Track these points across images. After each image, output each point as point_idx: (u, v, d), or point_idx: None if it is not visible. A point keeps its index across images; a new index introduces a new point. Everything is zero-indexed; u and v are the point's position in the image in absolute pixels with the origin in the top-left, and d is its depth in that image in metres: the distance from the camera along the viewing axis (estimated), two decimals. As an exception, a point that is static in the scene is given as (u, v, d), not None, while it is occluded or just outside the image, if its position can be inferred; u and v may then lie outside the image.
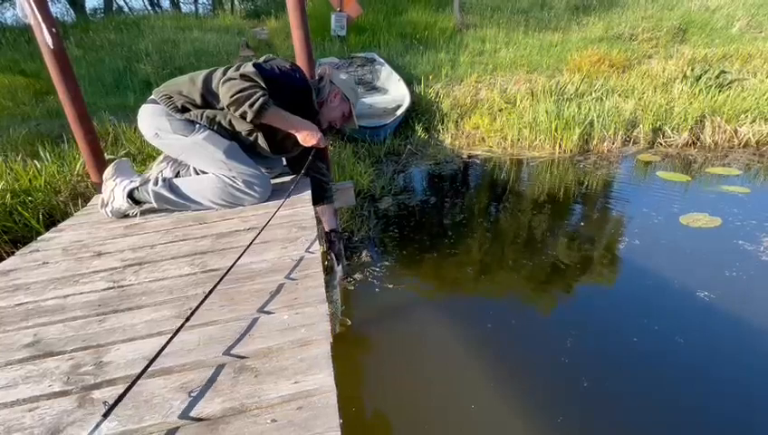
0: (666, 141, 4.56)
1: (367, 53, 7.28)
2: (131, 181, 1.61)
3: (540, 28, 8.77)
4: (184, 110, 1.55)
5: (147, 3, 15.70)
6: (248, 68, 1.44)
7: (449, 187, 4.04)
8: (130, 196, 1.59)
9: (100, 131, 4.79)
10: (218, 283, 1.00)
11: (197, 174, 1.68)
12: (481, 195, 3.87)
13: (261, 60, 1.57)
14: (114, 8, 13.10)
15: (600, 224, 3.18)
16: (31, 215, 3.19)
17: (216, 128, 1.56)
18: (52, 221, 3.33)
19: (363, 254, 2.91)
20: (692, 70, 5.83)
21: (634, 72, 6.58)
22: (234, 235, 1.40)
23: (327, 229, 2.04)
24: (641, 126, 4.69)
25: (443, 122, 5.33)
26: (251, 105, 1.42)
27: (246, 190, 1.59)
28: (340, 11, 7.65)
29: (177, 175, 1.88)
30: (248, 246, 1.17)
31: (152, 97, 1.59)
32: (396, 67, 6.79)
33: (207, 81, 1.53)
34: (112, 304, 1.05)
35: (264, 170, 1.76)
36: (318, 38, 7.64)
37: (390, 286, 2.54)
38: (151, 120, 1.56)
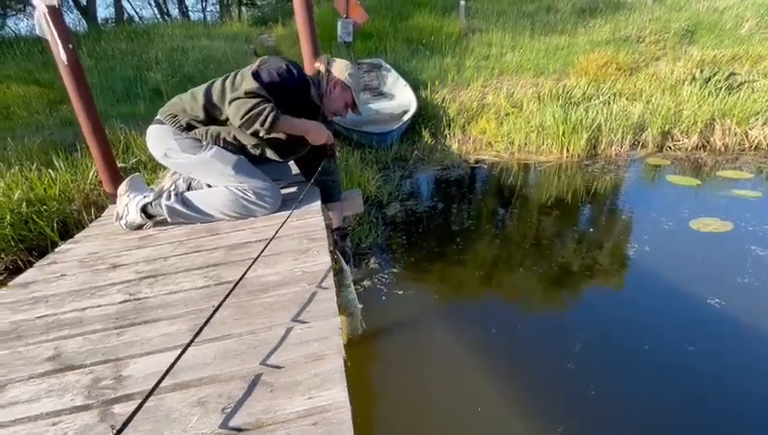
0: (675, 145, 4.52)
1: (373, 58, 7.32)
2: (144, 196, 1.64)
3: (546, 32, 8.76)
4: (189, 127, 1.57)
5: (156, 12, 15.97)
6: (249, 83, 1.45)
7: (456, 192, 4.05)
8: (144, 210, 1.63)
9: (112, 139, 4.87)
10: (227, 296, 1.02)
11: (209, 186, 1.71)
12: (488, 200, 3.87)
13: (256, 65, 1.56)
14: (125, 18, 13.33)
15: (608, 229, 3.16)
16: (45, 223, 3.26)
17: (221, 144, 1.59)
18: (65, 229, 3.40)
19: (371, 260, 2.93)
20: (701, 72, 5.79)
21: (642, 75, 6.54)
22: (245, 246, 1.42)
23: (334, 227, 2.05)
24: (649, 129, 4.66)
25: (449, 127, 5.35)
26: (262, 123, 1.44)
27: (258, 202, 1.62)
28: (346, 17, 7.71)
29: (190, 186, 1.91)
30: (257, 258, 1.19)
31: (158, 117, 1.62)
32: (402, 72, 6.82)
33: (208, 94, 1.55)
34: (129, 316, 1.07)
35: (274, 181, 1.79)
36: (325, 45, 7.69)
37: (399, 293, 2.55)
38: (159, 141, 1.60)
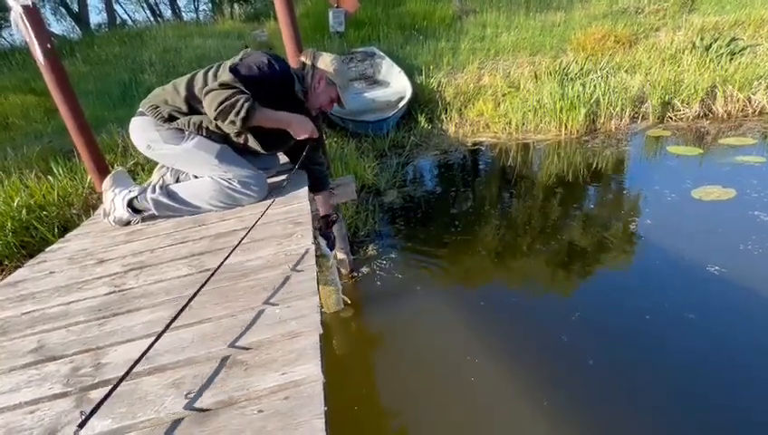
0: (676, 115, 4.43)
1: (366, 47, 7.25)
2: (130, 191, 1.63)
3: (541, 9, 8.60)
4: (171, 118, 1.56)
5: (149, 14, 15.92)
6: (225, 75, 1.43)
7: (455, 176, 4.02)
8: (130, 205, 1.62)
9: (110, 143, 4.89)
10: (208, 280, 1.01)
11: (196, 178, 1.70)
12: (487, 182, 3.83)
13: (238, 58, 1.55)
14: (118, 22, 13.31)
15: (610, 204, 3.12)
16: (47, 229, 3.28)
17: (204, 133, 1.57)
18: (66, 233, 3.43)
19: (369, 248, 2.92)
20: (701, 39, 5.64)
21: (641, 47, 6.40)
22: (231, 234, 1.42)
23: (321, 215, 2.03)
24: (649, 101, 4.56)
25: (446, 111, 5.29)
26: (237, 113, 1.41)
27: (243, 190, 1.61)
28: (337, 7, 7.63)
29: (178, 179, 1.91)
30: (238, 244, 1.19)
31: (140, 109, 1.61)
32: (396, 59, 6.75)
33: (190, 85, 1.53)
34: (113, 307, 1.07)
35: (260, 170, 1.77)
36: (317, 35, 7.63)
37: (398, 278, 2.54)
38: (142, 133, 1.59)
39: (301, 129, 1.61)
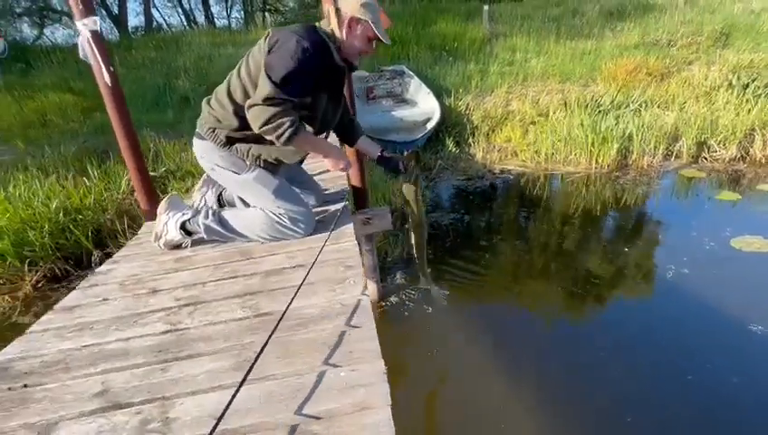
0: (711, 156, 4.35)
1: (396, 65, 7.31)
2: (183, 214, 1.67)
3: (572, 36, 8.59)
4: (230, 142, 1.59)
5: (184, 19, 16.39)
6: (267, 87, 1.36)
7: (482, 204, 4.00)
8: (183, 227, 1.65)
9: (142, 148, 5.00)
10: (271, 334, 1.01)
11: (241, 198, 1.74)
12: (515, 214, 3.80)
13: (265, 46, 1.43)
14: (154, 25, 13.72)
15: (643, 247, 3.05)
16: (81, 233, 3.36)
17: (263, 165, 1.60)
18: (99, 238, 3.50)
19: (398, 275, 2.90)
20: (737, 78, 5.56)
21: (674, 81, 6.33)
22: (281, 273, 1.42)
23: (375, 157, 1.86)
24: (684, 139, 4.49)
25: (473, 135, 5.28)
26: (278, 136, 1.42)
27: (292, 227, 1.63)
28: (369, 24, 7.73)
29: (220, 197, 1.94)
30: (294, 295, 1.19)
31: (198, 131, 1.64)
32: (425, 79, 6.79)
33: (231, 95, 1.53)
34: (172, 349, 1.08)
35: (310, 202, 1.80)
36: (347, 52, 7.73)
37: (426, 311, 2.52)
38: (206, 156, 1.64)
39: (337, 161, 1.64)
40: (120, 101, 1.93)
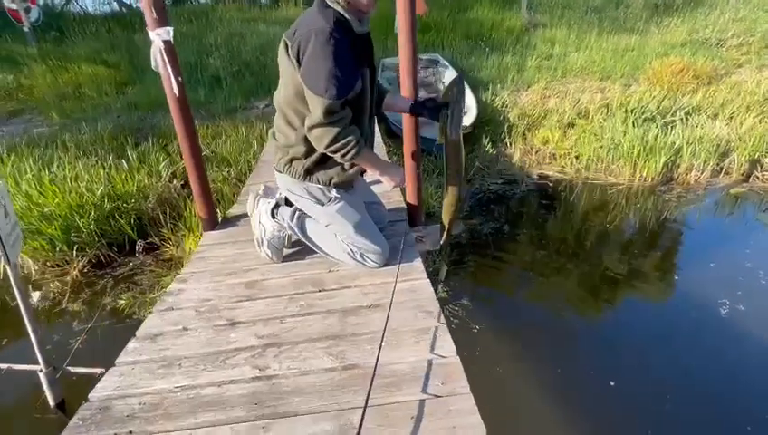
0: (763, 175, 4.18)
1: (430, 54, 7.12)
2: (269, 202, 1.75)
3: (614, 30, 8.23)
4: (307, 173, 1.57)
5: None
6: (317, 102, 1.33)
7: (522, 213, 3.93)
8: (272, 214, 1.71)
9: (168, 131, 5.00)
10: (368, 398, 1.01)
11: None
12: (557, 225, 3.74)
13: (294, 46, 1.37)
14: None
15: (694, 278, 2.91)
16: (124, 220, 3.40)
17: (340, 189, 1.59)
18: (141, 225, 3.54)
19: (439, 289, 2.90)
20: (794, 88, 5.28)
21: (722, 86, 6.05)
22: (358, 314, 1.42)
23: (408, 108, 1.78)
24: (735, 154, 4.32)
25: (510, 135, 5.15)
26: (343, 156, 1.44)
27: (361, 261, 1.65)
28: (405, 8, 7.50)
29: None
30: (381, 345, 1.18)
31: (275, 166, 1.65)
32: (460, 70, 6.62)
33: (290, 123, 1.51)
34: (268, 402, 1.09)
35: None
36: (381, 36, 7.54)
37: (473, 329, 2.52)
38: (289, 189, 1.66)
39: (392, 178, 1.60)
40: (186, 112, 1.90)
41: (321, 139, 1.40)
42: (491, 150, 5.01)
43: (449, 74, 6.54)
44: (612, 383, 2.11)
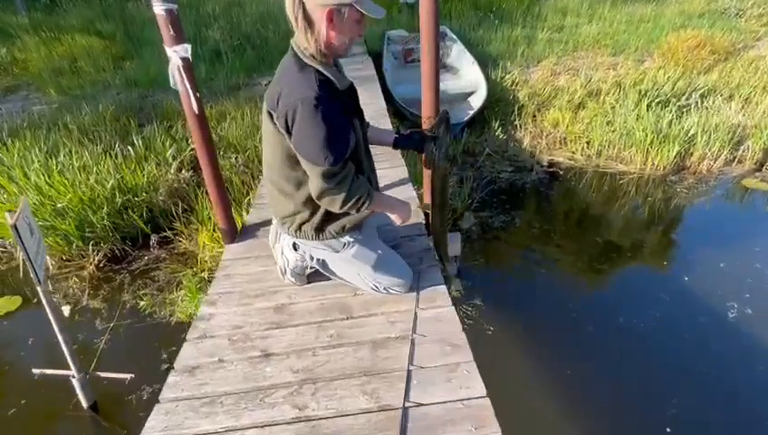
0: (777, 164, 4.14)
1: (438, 26, 6.83)
2: (289, 236, 1.69)
3: (630, -1, 7.88)
4: (318, 231, 1.55)
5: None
6: (316, 172, 1.32)
7: (534, 204, 3.93)
8: (294, 247, 1.68)
9: (169, 110, 4.88)
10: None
11: None
12: (568, 218, 3.75)
13: (282, 116, 1.30)
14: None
15: (702, 275, 2.95)
16: (136, 214, 3.41)
17: (353, 233, 1.58)
18: (152, 217, 3.54)
19: (451, 288, 2.94)
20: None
21: (739, 63, 5.87)
22: (387, 346, 1.46)
23: (392, 141, 1.70)
24: (749, 142, 4.26)
25: (520, 116, 5.05)
26: (359, 209, 1.46)
27: (384, 292, 1.67)
28: (411, -25, 7.15)
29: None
30: (408, 383, 1.23)
31: (285, 234, 1.65)
32: (467, 44, 6.40)
33: (289, 195, 1.50)
34: (310, 447, 1.16)
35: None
36: (384, 6, 7.21)
37: (488, 331, 2.58)
38: (303, 247, 1.67)
39: (402, 215, 1.61)
40: (205, 129, 1.87)
41: (334, 203, 1.41)
42: (501, 135, 4.93)
43: (456, 49, 6.32)
44: (635, 383, 2.19)
